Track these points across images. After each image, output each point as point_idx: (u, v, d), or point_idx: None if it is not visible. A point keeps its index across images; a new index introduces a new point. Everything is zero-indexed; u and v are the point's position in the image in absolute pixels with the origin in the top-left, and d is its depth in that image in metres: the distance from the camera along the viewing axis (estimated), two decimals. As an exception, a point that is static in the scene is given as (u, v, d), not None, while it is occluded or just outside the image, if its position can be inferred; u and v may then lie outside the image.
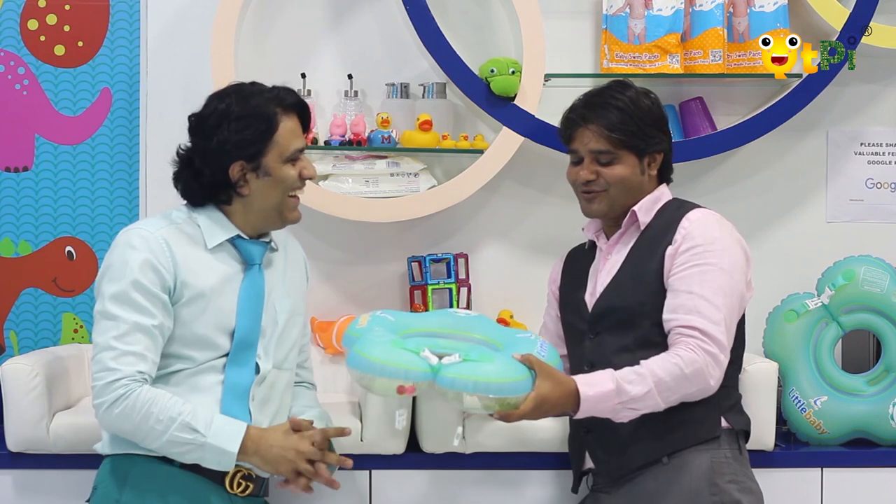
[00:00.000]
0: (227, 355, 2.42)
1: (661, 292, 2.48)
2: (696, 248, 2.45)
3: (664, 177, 2.64)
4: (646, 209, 2.57)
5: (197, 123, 2.47)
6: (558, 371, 2.36)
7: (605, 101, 2.56)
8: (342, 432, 2.48)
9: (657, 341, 2.47)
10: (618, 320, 2.51)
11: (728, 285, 2.45)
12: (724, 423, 2.49)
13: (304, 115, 2.52)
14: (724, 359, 2.42)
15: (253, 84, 2.50)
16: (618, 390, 2.34)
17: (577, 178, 2.59)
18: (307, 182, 2.52)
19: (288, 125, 2.46)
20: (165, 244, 2.40)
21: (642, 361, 2.39)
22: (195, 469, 2.37)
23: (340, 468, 2.48)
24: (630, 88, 2.58)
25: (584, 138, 2.56)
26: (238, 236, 2.48)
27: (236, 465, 2.38)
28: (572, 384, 2.34)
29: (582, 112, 2.57)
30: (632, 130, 2.53)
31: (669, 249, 2.49)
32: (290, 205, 2.50)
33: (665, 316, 2.45)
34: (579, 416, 2.35)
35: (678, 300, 2.44)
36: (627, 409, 2.36)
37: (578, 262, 2.73)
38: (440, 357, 2.35)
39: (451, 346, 2.42)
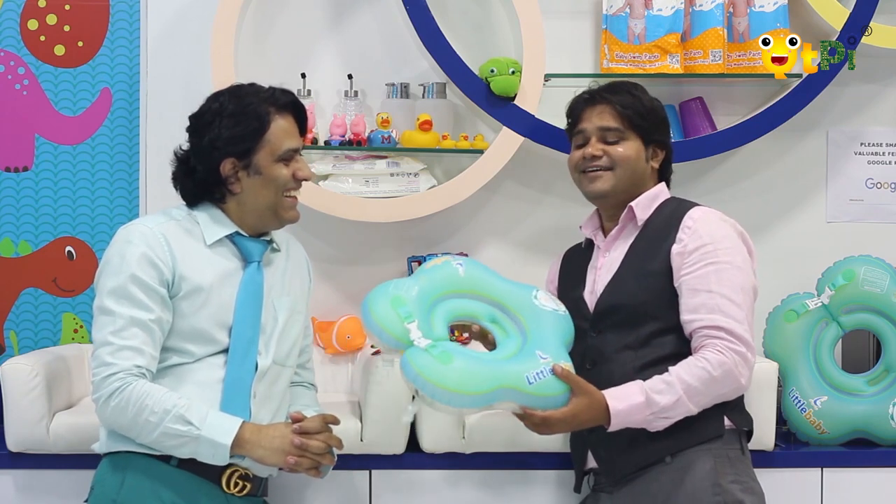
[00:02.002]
0: (224, 351, 2.42)
1: (665, 290, 2.49)
2: (706, 247, 2.46)
3: (664, 176, 2.66)
4: (643, 206, 2.58)
5: (193, 121, 2.49)
6: (592, 386, 2.36)
7: (616, 86, 2.63)
8: (336, 420, 2.47)
9: (659, 340, 2.48)
10: (621, 318, 2.51)
11: (746, 282, 2.47)
12: (727, 422, 2.49)
13: (300, 116, 2.52)
14: (752, 356, 2.43)
15: (251, 85, 2.51)
16: (647, 402, 2.36)
17: (583, 156, 2.60)
18: (306, 182, 2.52)
19: (281, 124, 2.46)
20: (163, 239, 2.40)
21: (670, 368, 2.39)
22: (192, 468, 2.36)
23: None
24: (637, 87, 2.65)
25: (594, 115, 2.60)
26: (237, 233, 2.48)
27: (233, 465, 2.38)
28: (601, 399, 2.35)
29: (592, 92, 2.63)
30: (640, 112, 2.58)
31: (675, 248, 2.49)
32: (286, 204, 2.49)
33: (685, 317, 2.45)
34: (612, 429, 2.37)
35: (698, 300, 2.44)
36: (660, 419, 2.38)
37: (575, 261, 2.73)
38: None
39: (503, 323, 2.42)
